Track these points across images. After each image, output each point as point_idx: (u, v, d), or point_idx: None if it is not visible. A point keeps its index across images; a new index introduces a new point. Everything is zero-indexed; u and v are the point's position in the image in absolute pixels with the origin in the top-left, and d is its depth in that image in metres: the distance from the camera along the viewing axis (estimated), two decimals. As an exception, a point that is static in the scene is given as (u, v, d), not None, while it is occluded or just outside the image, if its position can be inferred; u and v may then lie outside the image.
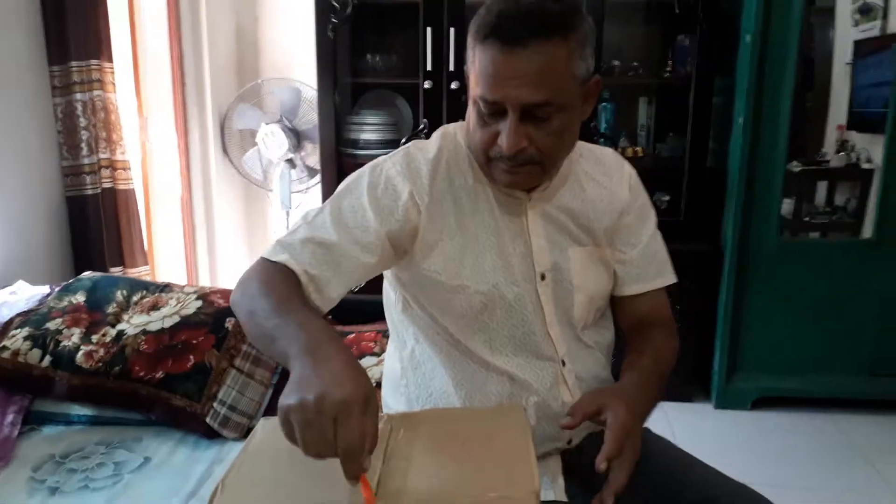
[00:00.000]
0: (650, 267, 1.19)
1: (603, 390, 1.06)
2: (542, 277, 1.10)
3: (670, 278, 1.21)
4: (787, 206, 2.85)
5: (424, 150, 1.10)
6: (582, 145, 1.17)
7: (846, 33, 2.82)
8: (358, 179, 1.07)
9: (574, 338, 1.14)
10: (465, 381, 1.12)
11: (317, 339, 0.80)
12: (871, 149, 2.72)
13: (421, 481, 0.80)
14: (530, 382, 1.10)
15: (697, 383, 2.87)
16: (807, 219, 2.95)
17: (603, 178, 1.17)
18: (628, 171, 1.21)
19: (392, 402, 1.23)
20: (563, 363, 1.12)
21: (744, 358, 2.77)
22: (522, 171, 1.02)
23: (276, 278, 0.95)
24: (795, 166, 2.82)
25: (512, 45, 0.93)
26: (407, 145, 1.12)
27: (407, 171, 1.06)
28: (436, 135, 1.13)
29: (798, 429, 2.62)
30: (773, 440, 2.54)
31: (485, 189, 1.09)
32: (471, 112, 1.02)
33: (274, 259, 0.99)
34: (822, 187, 3.02)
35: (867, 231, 2.70)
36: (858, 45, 2.79)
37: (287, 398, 0.73)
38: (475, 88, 0.99)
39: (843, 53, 2.85)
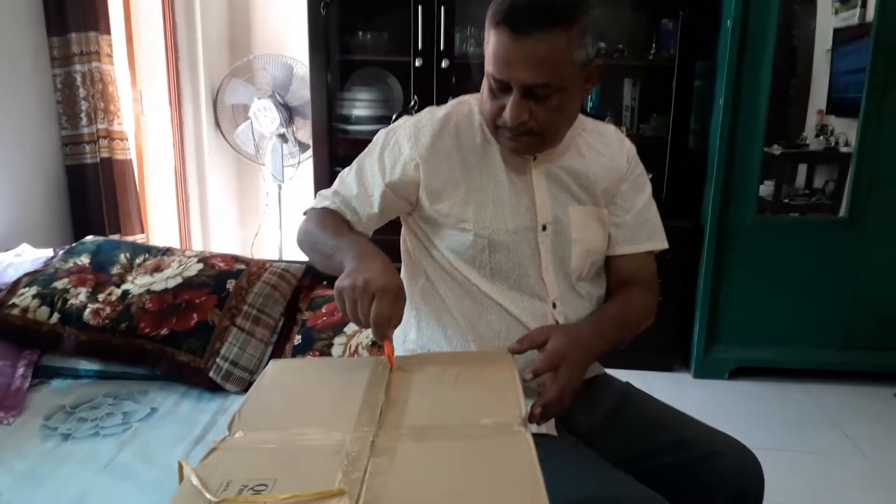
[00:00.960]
0: (641, 231, 1.29)
1: (554, 325, 1.19)
2: (544, 228, 1.22)
3: (660, 244, 1.32)
4: (768, 188, 2.94)
5: (435, 112, 1.25)
6: (587, 120, 1.31)
7: (827, 21, 2.89)
8: (376, 142, 1.26)
9: (568, 286, 1.24)
10: (468, 310, 1.23)
11: (365, 249, 1.07)
12: (848, 133, 2.81)
13: (418, 412, 0.88)
14: (522, 317, 1.20)
15: (677, 354, 2.98)
16: (786, 200, 3.04)
17: (604, 148, 1.28)
18: (628, 145, 1.33)
19: (402, 331, 1.32)
20: (554, 305, 1.22)
21: (722, 330, 2.88)
22: (523, 140, 1.15)
23: (327, 218, 1.21)
24: (776, 149, 2.91)
25: (519, 32, 1.06)
26: (425, 109, 1.27)
27: (412, 131, 1.21)
28: (453, 101, 1.28)
29: (773, 397, 2.74)
30: (748, 408, 2.66)
31: (494, 149, 1.22)
32: (484, 84, 1.16)
33: (318, 207, 1.24)
34: (801, 170, 3.10)
35: (843, 212, 2.81)
36: (838, 32, 2.87)
37: (342, 281, 0.99)
38: (488, 65, 1.12)
39: (823, 41, 2.92)
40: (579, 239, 1.23)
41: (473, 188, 1.21)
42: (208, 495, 0.68)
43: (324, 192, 1.27)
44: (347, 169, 1.26)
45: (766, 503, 1.18)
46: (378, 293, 0.96)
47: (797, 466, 2.23)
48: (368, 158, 1.24)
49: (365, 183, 1.22)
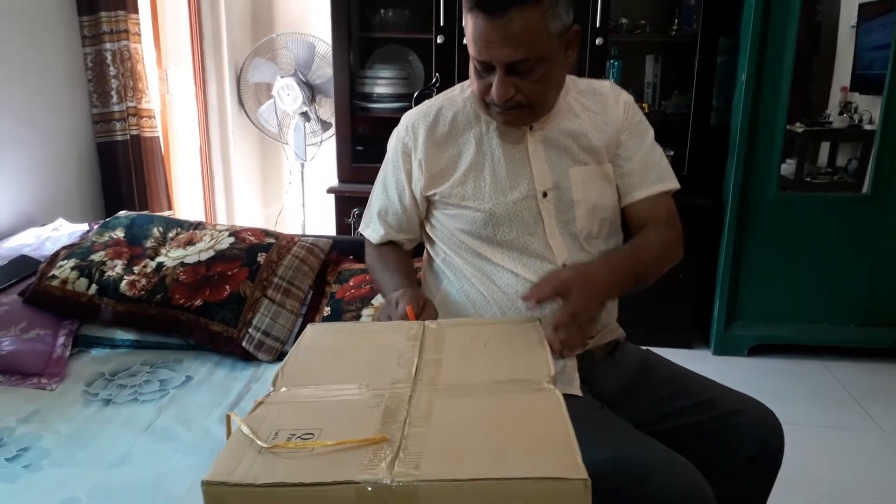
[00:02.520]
0: (648, 175, 1.30)
1: (561, 269, 1.23)
2: (545, 195, 1.26)
3: (670, 184, 1.32)
4: (790, 166, 2.92)
5: (425, 105, 1.33)
6: (581, 81, 1.34)
7: (852, -3, 2.87)
8: (388, 152, 1.36)
9: (578, 247, 1.27)
10: (485, 279, 1.28)
11: (396, 283, 1.27)
12: (872, 110, 2.78)
13: (452, 370, 0.92)
14: (535, 280, 1.23)
15: (697, 331, 3.00)
16: (808, 179, 3.03)
17: (599, 106, 1.31)
18: (624, 97, 1.34)
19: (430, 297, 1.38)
20: (565, 265, 1.25)
21: (742, 307, 2.89)
22: (514, 114, 1.21)
23: (378, 253, 1.41)
24: (799, 127, 2.90)
25: (492, 14, 1.10)
26: (417, 105, 1.36)
27: (409, 132, 1.31)
28: (443, 92, 1.36)
29: (792, 374, 2.75)
30: (768, 384, 2.67)
31: (488, 125, 1.28)
32: (470, 66, 1.21)
33: (363, 233, 1.43)
34: (824, 148, 3.09)
35: (866, 189, 2.79)
36: (863, 8, 2.84)
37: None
38: (469, 48, 1.17)
39: (848, 17, 2.89)
40: (582, 200, 1.26)
41: (470, 167, 1.27)
42: (259, 442, 0.72)
43: (366, 216, 1.42)
44: (375, 185, 1.40)
45: (785, 477, 1.21)
46: (400, 299, 1.16)
47: (816, 441, 2.25)
48: (384, 171, 1.37)
49: (391, 199, 1.35)
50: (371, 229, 1.41)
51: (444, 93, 1.35)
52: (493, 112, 1.22)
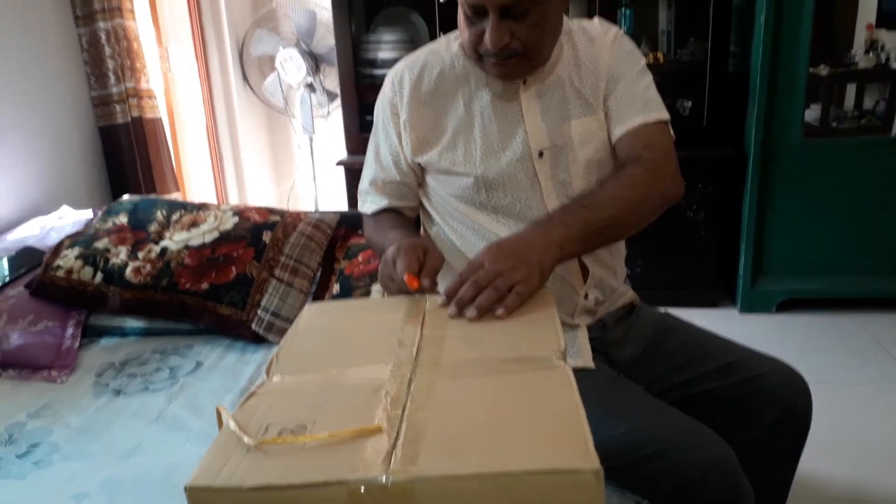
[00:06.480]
0: (629, 109, 1.17)
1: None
2: (541, 155, 1.16)
3: (655, 115, 1.17)
4: (814, 112, 2.81)
5: (410, 58, 1.23)
6: (575, 24, 1.22)
7: (877, -77, 2.72)
8: (377, 114, 1.27)
9: None
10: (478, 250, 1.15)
11: (393, 239, 1.12)
12: (900, 47, 2.67)
13: (455, 349, 0.86)
14: None
15: (722, 289, 2.92)
16: (834, 124, 2.91)
17: (592, 49, 1.19)
18: (613, 32, 1.22)
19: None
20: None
21: (768, 261, 2.80)
22: (510, 63, 1.10)
23: (375, 222, 1.29)
24: (822, 70, 2.77)
25: None
26: (402, 59, 1.26)
27: (395, 89, 1.21)
28: (429, 42, 1.26)
29: (823, 328, 2.67)
30: (798, 340, 2.59)
31: (478, 81, 1.18)
32: (459, 13, 1.12)
33: (362, 210, 1.32)
34: (850, 91, 2.96)
35: (895, 131, 2.67)
36: (887, -64, 2.69)
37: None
38: None
39: (873, -53, 2.75)
40: (579, 157, 1.16)
41: (460, 128, 1.18)
42: (247, 439, 0.68)
43: (361, 186, 1.32)
44: (367, 156, 1.30)
45: (818, 439, 1.15)
46: (396, 257, 1.02)
47: (850, 399, 2.17)
48: (375, 137, 1.27)
49: (384, 163, 1.25)
50: (368, 202, 1.30)
51: (428, 45, 1.24)
52: (488, 64, 1.11)
